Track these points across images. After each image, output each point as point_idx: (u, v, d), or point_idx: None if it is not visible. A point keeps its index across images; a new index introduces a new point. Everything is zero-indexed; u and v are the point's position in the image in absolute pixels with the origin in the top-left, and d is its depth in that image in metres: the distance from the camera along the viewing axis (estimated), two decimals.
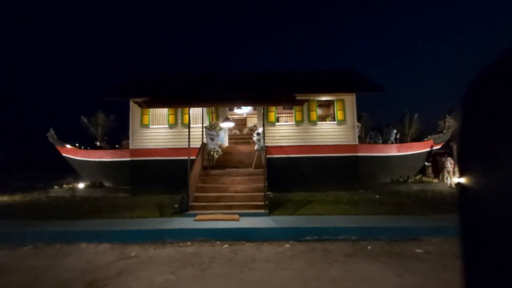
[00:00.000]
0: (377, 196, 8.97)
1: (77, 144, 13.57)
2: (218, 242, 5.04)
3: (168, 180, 10.24)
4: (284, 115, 12.28)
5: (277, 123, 11.38)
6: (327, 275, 3.58)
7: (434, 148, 13.23)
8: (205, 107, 10.38)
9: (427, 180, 11.77)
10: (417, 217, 6.15)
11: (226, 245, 4.89)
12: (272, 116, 11.28)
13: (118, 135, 13.71)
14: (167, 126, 11.19)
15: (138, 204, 8.27)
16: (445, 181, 11.94)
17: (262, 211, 6.77)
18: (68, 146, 13.19)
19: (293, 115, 11.39)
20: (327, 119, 12.48)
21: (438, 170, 12.59)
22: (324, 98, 11.48)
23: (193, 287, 3.30)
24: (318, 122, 11.27)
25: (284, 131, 11.24)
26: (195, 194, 7.54)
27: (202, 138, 9.34)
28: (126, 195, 10.46)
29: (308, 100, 10.53)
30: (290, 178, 10.52)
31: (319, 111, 11.93)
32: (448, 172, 12.20)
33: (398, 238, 5.06)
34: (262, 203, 7.02)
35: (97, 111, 13.79)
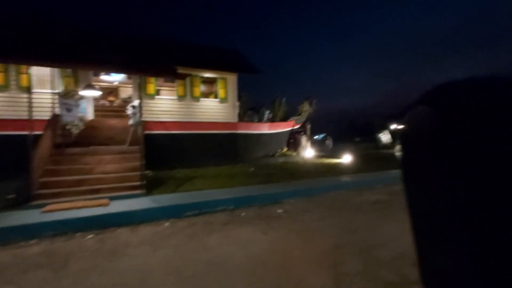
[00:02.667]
0: (252, 169, 10.15)
1: None
2: (78, 234, 4.23)
3: None
4: (165, 88, 11.37)
5: (157, 96, 10.41)
6: (205, 244, 3.78)
7: (295, 127, 16.23)
8: (54, 67, 8.03)
9: (289, 154, 14.40)
10: (280, 184, 7.46)
11: (90, 236, 4.19)
12: (151, 88, 10.19)
13: None
14: None
15: None
16: (300, 154, 15.02)
17: (138, 191, 6.19)
18: None
19: (175, 89, 10.74)
20: (210, 96, 12.61)
21: (296, 146, 15.61)
22: (207, 75, 11.42)
23: None
24: (201, 99, 11.19)
25: (165, 105, 10.47)
26: (43, 179, 5.90)
27: (53, 108, 7.27)
28: None
29: (190, 75, 10.19)
30: (171, 155, 10.08)
31: (202, 88, 11.83)
32: (302, 147, 15.38)
33: (266, 203, 5.98)
34: (138, 183, 6.41)
35: None
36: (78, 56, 7.67)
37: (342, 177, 8.56)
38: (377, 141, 26.11)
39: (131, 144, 8.38)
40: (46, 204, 5.14)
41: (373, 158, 14.35)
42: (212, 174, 8.82)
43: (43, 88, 8.18)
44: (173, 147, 10.29)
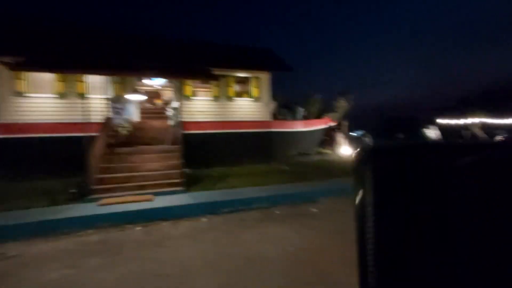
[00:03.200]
0: (286, 167, 10.13)
1: None
2: (129, 226, 4.69)
3: (57, 162, 8.53)
4: (201, 89, 11.86)
5: (193, 98, 10.94)
6: (240, 240, 3.92)
7: (331, 124, 15.74)
8: (106, 75, 8.92)
9: (324, 152, 14.02)
10: (315, 183, 7.33)
11: (138, 228, 4.62)
12: (188, 90, 10.73)
13: None
14: (54, 95, 9.07)
15: (17, 193, 6.64)
16: (336, 152, 14.51)
17: (179, 188, 6.61)
18: None
19: (210, 90, 11.16)
20: (244, 95, 12.83)
21: (332, 143, 15.12)
22: (240, 74, 11.64)
23: (100, 276, 3.02)
24: (235, 98, 11.46)
25: (201, 106, 10.94)
26: (99, 176, 6.63)
27: (106, 112, 8.09)
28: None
29: (224, 76, 10.49)
30: (207, 154, 10.52)
31: (236, 88, 12.10)
32: (339, 144, 14.85)
33: (300, 201, 5.95)
34: (178, 180, 6.84)
35: None
36: (125, 64, 8.41)
37: None
38: (423, 138, 24.14)
39: (171, 143, 8.97)
40: (101, 198, 5.78)
41: None
42: (246, 172, 9.01)
43: (96, 94, 9.14)
44: (209, 146, 10.73)
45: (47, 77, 9.03)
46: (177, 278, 2.91)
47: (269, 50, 14.55)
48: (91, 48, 10.04)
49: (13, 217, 4.79)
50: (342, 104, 15.72)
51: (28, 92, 8.82)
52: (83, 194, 5.98)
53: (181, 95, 8.95)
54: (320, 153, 13.70)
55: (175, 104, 9.36)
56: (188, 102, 10.63)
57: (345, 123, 16.45)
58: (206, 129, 10.82)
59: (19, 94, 8.71)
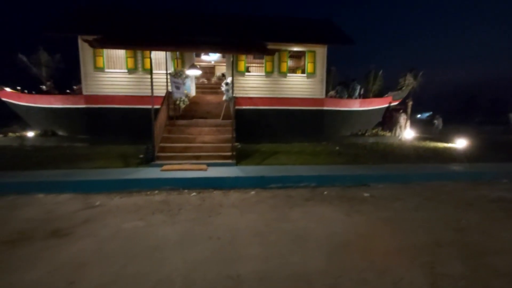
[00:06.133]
0: (337, 148, 9.68)
1: (18, 88, 11.84)
2: (186, 191, 5.19)
3: (130, 130, 9.75)
4: (254, 64, 11.80)
5: (246, 73, 10.98)
6: (287, 216, 3.99)
7: (392, 104, 14.18)
8: (169, 51, 9.51)
9: (382, 134, 12.87)
10: (369, 166, 6.87)
11: (194, 193, 5.07)
12: (242, 65, 10.79)
13: (66, 78, 12.12)
14: (126, 70, 10.15)
15: (99, 154, 7.90)
16: (397, 134, 13.18)
17: (229, 161, 6.95)
18: (8, 89, 11.46)
19: (263, 65, 11.01)
20: (297, 71, 12.34)
21: (392, 125, 13.74)
22: (295, 48, 11.13)
23: (162, 231, 3.46)
24: (289, 74, 11.12)
25: (253, 81, 10.95)
26: (161, 144, 7.37)
27: (167, 86, 8.75)
28: (84, 145, 9.84)
29: (279, 50, 10.16)
30: (258, 129, 10.69)
31: (290, 63, 11.68)
32: (400, 127, 13.41)
33: (351, 184, 5.69)
34: (229, 153, 7.17)
35: (37, 48, 11.77)
36: (185, 40, 8.79)
37: (451, 165, 7.14)
38: (510, 123, 20.18)
39: (224, 118, 9.33)
40: (163, 164, 6.47)
41: (500, 145, 11.25)
42: (296, 150, 8.93)
43: (159, 69, 9.89)
44: (259, 122, 10.85)
45: (120, 54, 10.09)
46: (227, 242, 3.15)
47: (328, 21, 13.44)
48: (157, 27, 10.75)
49: (97, 174, 5.73)
50: (410, 81, 13.89)
51: (106, 68, 10.04)
52: (149, 159, 6.77)
53: (235, 71, 9.05)
54: (377, 135, 12.64)
55: (229, 79, 9.57)
56: (241, 78, 10.74)
57: (410, 103, 14.64)
58: (258, 105, 10.90)
59: (99, 69, 9.97)
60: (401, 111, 14.01)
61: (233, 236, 3.32)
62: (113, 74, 10.10)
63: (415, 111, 15.27)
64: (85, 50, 9.67)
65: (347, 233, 3.42)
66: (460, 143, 10.71)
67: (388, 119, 14.24)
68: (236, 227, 3.58)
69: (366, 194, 5.09)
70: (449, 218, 3.97)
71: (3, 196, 4.76)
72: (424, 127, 19.74)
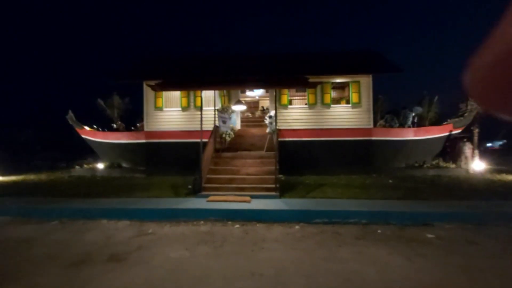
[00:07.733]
0: (390, 181, 8.86)
1: (95, 126, 14.03)
2: (230, 222, 5.21)
3: (181, 162, 10.51)
4: (297, 97, 12.06)
5: (289, 106, 11.22)
6: (336, 256, 3.65)
7: (454, 132, 12.72)
8: (217, 89, 10.36)
9: (444, 165, 11.43)
10: (431, 203, 6.06)
11: (237, 225, 5.06)
12: (284, 98, 11.12)
13: (133, 117, 14.02)
14: (180, 108, 11.30)
15: (153, 185, 8.59)
16: (463, 166, 11.55)
17: (273, 193, 6.87)
18: (87, 128, 13.65)
19: (306, 97, 11.17)
20: (342, 102, 12.17)
21: (456, 155, 12.16)
22: (338, 80, 11.12)
23: (206, 263, 3.47)
24: (332, 105, 11.01)
25: (296, 114, 11.09)
26: (208, 176, 7.72)
27: (215, 121, 9.40)
28: (142, 176, 10.87)
29: (321, 82, 10.27)
30: (302, 161, 10.51)
31: (333, 94, 11.64)
32: (466, 157, 11.77)
33: (410, 223, 5.04)
34: (273, 185, 7.11)
35: (112, 93, 14.08)
36: (231, 79, 9.56)
37: None
38: None
39: (267, 150, 9.48)
40: (209, 195, 6.70)
41: None
42: (342, 183, 8.43)
43: (208, 106, 10.78)
44: (303, 153, 10.70)
45: (176, 95, 11.37)
46: (271, 280, 2.99)
47: (371, 51, 13.31)
48: (208, 69, 12.02)
49: (150, 203, 6.20)
50: (473, 107, 12.45)
51: (164, 107, 11.35)
52: (196, 190, 7.10)
53: (278, 104, 9.37)
54: (438, 166, 11.26)
55: (272, 112, 9.88)
56: (285, 110, 11.00)
57: (476, 130, 12.93)
58: (301, 137, 10.86)
59: (158, 109, 11.32)
60: (465, 139, 12.42)
61: (277, 274, 3.14)
62: (170, 112, 11.33)
63: (483, 139, 13.35)
64: (148, 93, 11.17)
65: (409, 281, 2.96)
66: None
67: (450, 149, 12.70)
68: (280, 264, 3.40)
69: (430, 235, 4.43)
70: None
71: (75, 220, 5.43)
72: (496, 157, 16.97)
